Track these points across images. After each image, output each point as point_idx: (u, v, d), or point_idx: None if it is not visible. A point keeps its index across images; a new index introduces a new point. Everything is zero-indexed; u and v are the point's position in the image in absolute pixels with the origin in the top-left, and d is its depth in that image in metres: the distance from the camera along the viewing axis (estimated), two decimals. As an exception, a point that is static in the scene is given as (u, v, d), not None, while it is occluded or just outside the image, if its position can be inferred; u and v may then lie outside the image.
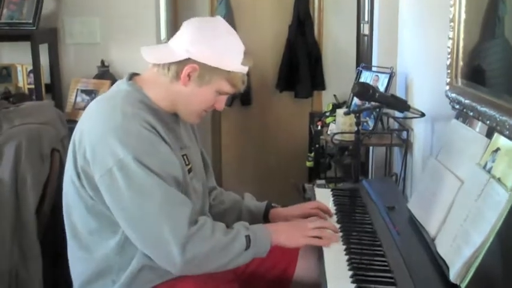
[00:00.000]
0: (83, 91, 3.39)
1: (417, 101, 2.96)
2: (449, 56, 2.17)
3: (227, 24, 1.79)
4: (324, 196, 2.41)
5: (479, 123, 1.88)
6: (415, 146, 3.04)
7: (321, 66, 4.79)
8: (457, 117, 2.05)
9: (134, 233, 1.64)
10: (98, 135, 1.65)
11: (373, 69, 3.48)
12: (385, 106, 2.37)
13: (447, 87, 2.20)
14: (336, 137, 3.07)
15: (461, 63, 2.11)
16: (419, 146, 2.95)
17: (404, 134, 3.12)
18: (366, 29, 4.22)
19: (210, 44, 1.70)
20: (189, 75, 1.70)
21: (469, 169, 1.66)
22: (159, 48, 1.84)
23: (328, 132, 3.29)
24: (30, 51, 3.18)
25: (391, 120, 3.36)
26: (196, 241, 1.61)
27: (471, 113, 1.95)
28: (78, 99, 3.40)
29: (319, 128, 4.26)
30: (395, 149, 3.34)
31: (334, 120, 4.20)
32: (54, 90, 3.53)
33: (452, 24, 2.13)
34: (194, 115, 1.81)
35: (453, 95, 2.13)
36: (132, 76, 1.83)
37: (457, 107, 2.09)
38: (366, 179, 2.68)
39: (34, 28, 3.23)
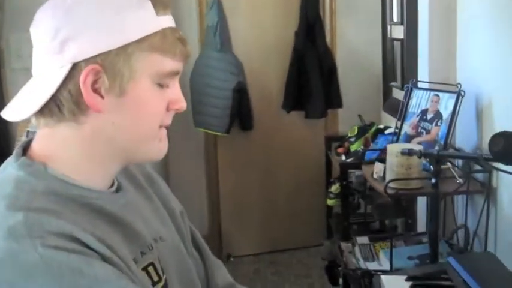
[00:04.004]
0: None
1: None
2: None
3: None
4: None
5: None
6: (501, 193, 2.20)
7: (336, 79, 4.01)
8: None
9: None
10: None
11: (424, 85, 2.61)
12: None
13: None
14: (391, 184, 2.21)
15: None
16: (510, 193, 2.11)
17: (480, 176, 2.27)
18: (397, 32, 3.39)
19: (88, 18, 0.94)
20: (94, 88, 0.94)
21: None
22: (23, 90, 1.01)
23: (375, 176, 2.42)
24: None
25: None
26: None
27: None
28: (30, 144, 2.48)
29: (343, 157, 3.45)
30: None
31: (361, 147, 3.45)
32: (-2, 131, 2.63)
33: None
34: (149, 143, 1.02)
35: None
36: (27, 148, 1.01)
37: None
38: (454, 255, 1.83)
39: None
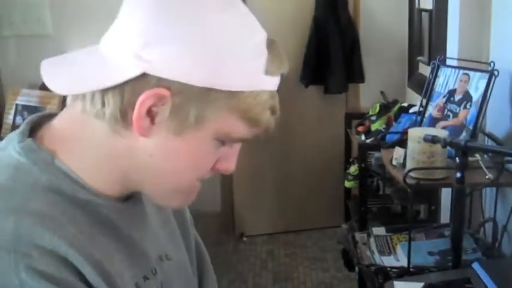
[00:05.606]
0: (25, 108, 2.28)
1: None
2: None
3: None
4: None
5: None
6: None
7: (359, 52, 3.80)
8: None
9: None
10: None
11: (453, 62, 2.36)
12: None
13: None
14: (411, 173, 1.98)
15: None
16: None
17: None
18: (425, 2, 3.12)
19: (189, 35, 0.74)
20: (150, 113, 0.76)
21: None
22: (80, 57, 0.81)
23: (394, 162, 2.19)
24: None
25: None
26: None
27: None
28: (18, 119, 2.30)
29: (363, 137, 3.22)
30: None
31: (383, 126, 3.21)
32: (-10, 104, 2.46)
33: None
34: (176, 193, 0.85)
35: None
36: (38, 124, 0.84)
37: None
38: (478, 261, 1.60)
39: None
